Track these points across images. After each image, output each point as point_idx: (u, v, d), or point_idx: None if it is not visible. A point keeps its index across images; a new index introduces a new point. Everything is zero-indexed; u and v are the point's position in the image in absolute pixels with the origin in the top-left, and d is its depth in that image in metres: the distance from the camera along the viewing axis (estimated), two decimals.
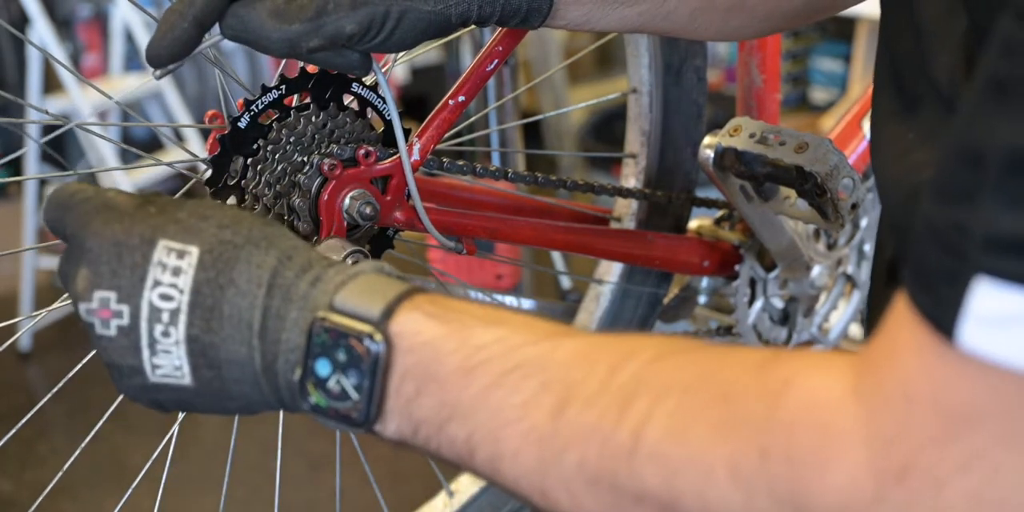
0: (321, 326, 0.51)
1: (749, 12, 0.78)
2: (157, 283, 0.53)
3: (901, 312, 0.42)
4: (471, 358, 0.49)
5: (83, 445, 0.79)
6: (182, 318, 0.52)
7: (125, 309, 0.53)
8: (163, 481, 0.79)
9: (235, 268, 0.53)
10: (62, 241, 0.56)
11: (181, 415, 0.77)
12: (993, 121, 0.38)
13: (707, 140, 0.93)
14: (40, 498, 0.80)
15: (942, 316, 0.39)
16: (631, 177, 1.06)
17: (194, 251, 0.53)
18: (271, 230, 0.55)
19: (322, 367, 0.51)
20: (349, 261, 0.71)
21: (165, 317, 0.53)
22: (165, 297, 0.53)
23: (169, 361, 0.53)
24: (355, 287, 0.52)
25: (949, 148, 0.40)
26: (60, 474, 0.78)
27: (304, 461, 2.00)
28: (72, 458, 0.78)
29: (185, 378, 0.53)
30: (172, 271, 0.52)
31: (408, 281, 0.54)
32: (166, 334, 0.53)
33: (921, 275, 0.40)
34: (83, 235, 0.54)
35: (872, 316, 0.61)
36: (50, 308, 0.75)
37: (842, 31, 3.00)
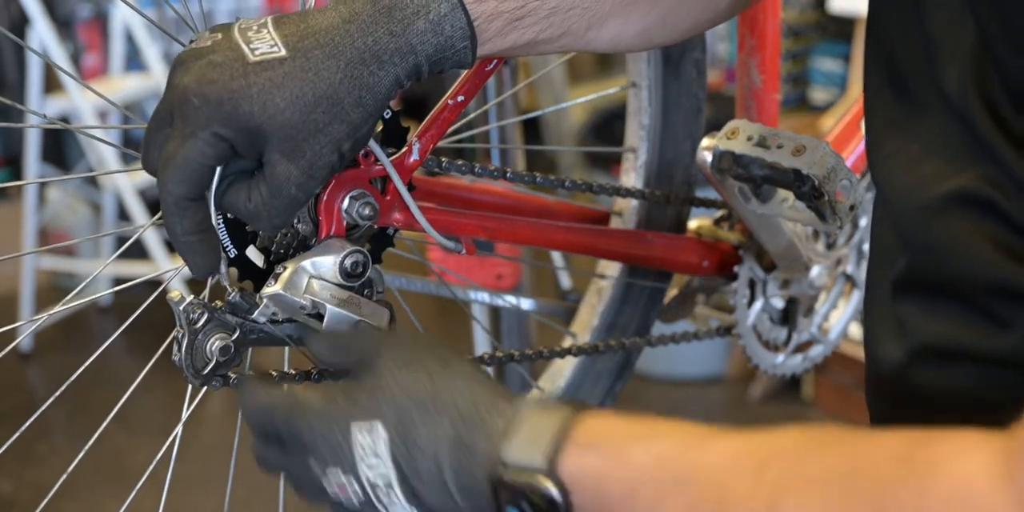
0: (500, 485, 0.56)
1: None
2: (363, 460, 0.60)
3: None
4: (633, 481, 0.53)
5: (88, 446, 0.79)
6: (396, 486, 0.60)
7: (355, 485, 0.61)
8: (167, 482, 0.79)
9: (417, 436, 0.59)
10: (270, 434, 0.64)
11: (185, 415, 0.78)
12: None
13: (705, 142, 0.94)
14: (45, 500, 0.80)
15: None
16: (631, 171, 1.05)
17: (379, 427, 0.60)
18: (440, 387, 0.60)
19: None
20: (348, 262, 0.71)
21: (383, 487, 0.60)
22: (373, 468, 0.60)
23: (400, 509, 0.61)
24: (519, 436, 0.57)
25: None
26: (64, 476, 0.78)
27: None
28: (76, 460, 0.78)
29: None
30: (371, 450, 0.60)
31: (561, 406, 0.58)
32: (391, 500, 0.60)
33: None
34: (298, 434, 0.62)
35: (874, 331, 0.60)
36: (51, 311, 0.75)
37: (842, 31, 3.00)
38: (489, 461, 0.57)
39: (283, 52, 0.63)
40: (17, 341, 0.74)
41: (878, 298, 0.60)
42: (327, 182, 0.72)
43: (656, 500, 0.52)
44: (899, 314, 0.56)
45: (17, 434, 0.75)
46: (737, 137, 0.92)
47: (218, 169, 0.64)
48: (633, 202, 1.05)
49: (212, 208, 0.66)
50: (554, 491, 0.55)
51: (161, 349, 0.73)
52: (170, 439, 0.79)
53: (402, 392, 0.61)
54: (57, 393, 0.74)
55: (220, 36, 0.65)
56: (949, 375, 0.53)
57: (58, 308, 0.74)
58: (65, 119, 3.29)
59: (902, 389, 0.53)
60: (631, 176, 1.05)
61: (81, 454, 0.79)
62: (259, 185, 0.64)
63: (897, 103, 0.58)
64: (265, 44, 0.63)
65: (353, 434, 0.60)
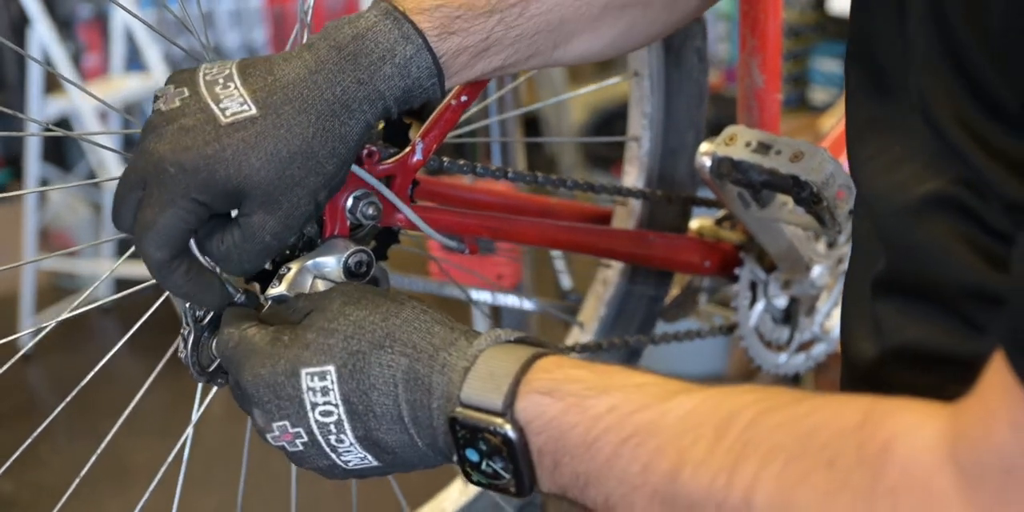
0: (459, 422, 0.57)
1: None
2: (314, 405, 0.60)
3: (996, 378, 0.42)
4: (591, 430, 0.54)
5: (98, 450, 0.79)
6: (346, 426, 0.60)
7: (301, 430, 0.61)
8: (180, 484, 0.79)
9: (371, 374, 0.60)
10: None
11: (195, 416, 0.78)
12: None
13: (703, 148, 0.94)
14: (61, 502, 0.80)
15: None
16: (634, 160, 1.05)
17: (331, 369, 0.60)
18: (394, 324, 0.61)
19: (471, 455, 0.57)
20: (351, 262, 0.71)
21: (333, 428, 0.60)
22: (325, 413, 0.60)
23: (354, 456, 0.61)
24: (476, 376, 0.57)
25: None
26: (76, 481, 0.78)
27: None
28: (88, 464, 0.78)
29: (373, 462, 0.62)
30: (321, 391, 0.60)
31: (525, 343, 0.60)
32: (340, 440, 0.61)
33: (1019, 344, 0.41)
34: (242, 382, 0.62)
35: (851, 329, 0.60)
36: (59, 318, 0.75)
37: (842, 31, 3.00)
38: (446, 398, 0.58)
39: (253, 110, 0.63)
40: (22, 351, 0.74)
41: (857, 295, 0.60)
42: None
43: (614, 452, 0.53)
44: (877, 313, 0.56)
45: (27, 443, 0.75)
46: (735, 143, 0.93)
47: None
48: (637, 187, 1.05)
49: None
50: (511, 432, 0.55)
51: (167, 355, 0.73)
52: (181, 440, 0.79)
53: (355, 330, 0.61)
54: (68, 398, 0.74)
55: (187, 93, 0.64)
56: (923, 376, 0.53)
57: (66, 315, 0.74)
58: (65, 120, 3.29)
59: (875, 387, 0.53)
60: (634, 166, 1.05)
61: (93, 458, 0.79)
62: (233, 230, 0.64)
63: (879, 103, 0.58)
64: (235, 102, 0.63)
65: (302, 379, 0.60)
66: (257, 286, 0.73)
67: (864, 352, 0.57)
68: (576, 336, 1.11)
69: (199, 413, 0.78)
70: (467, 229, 0.84)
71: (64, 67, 2.90)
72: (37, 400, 2.81)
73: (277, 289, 0.70)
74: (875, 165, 0.57)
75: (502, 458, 0.56)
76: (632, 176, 1.06)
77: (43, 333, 0.75)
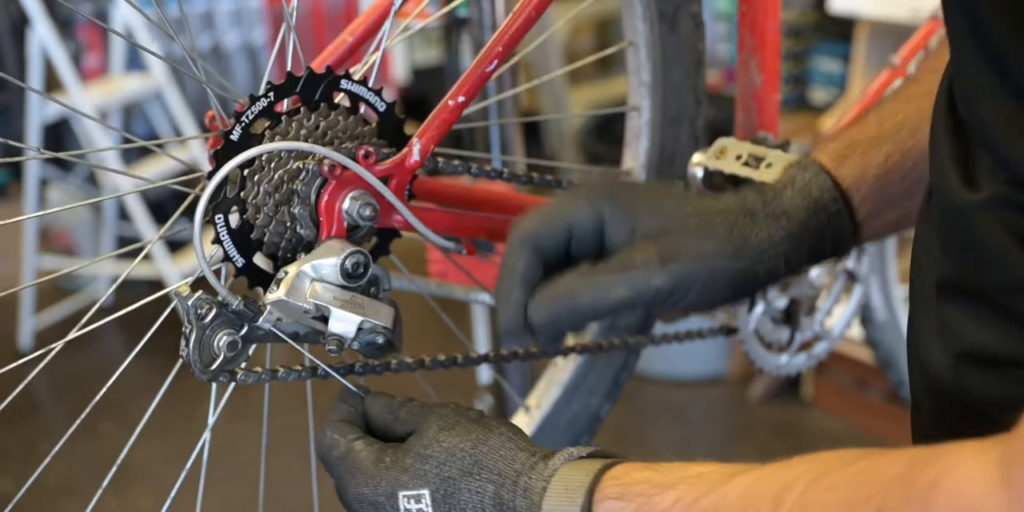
0: None
1: None
2: None
3: None
4: None
5: (124, 452, 0.79)
6: None
7: None
8: (201, 486, 0.79)
9: (460, 499, 0.64)
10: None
11: (212, 419, 0.78)
12: None
13: (695, 159, 0.95)
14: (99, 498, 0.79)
15: None
16: (637, 130, 1.05)
17: (426, 493, 0.65)
18: (481, 451, 0.65)
19: None
20: (348, 263, 0.71)
21: None
22: None
23: None
24: (554, 493, 0.61)
25: None
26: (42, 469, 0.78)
27: (305, 461, 2.00)
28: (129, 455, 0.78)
29: None
30: None
31: (596, 456, 0.63)
32: None
33: None
34: (346, 497, 0.68)
35: (920, 333, 0.60)
36: (68, 337, 0.75)
37: (842, 31, 3.00)
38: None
39: None
40: (27, 365, 0.74)
41: (923, 298, 0.60)
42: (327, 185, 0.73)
43: None
44: (944, 317, 0.56)
45: (49, 458, 0.74)
46: (726, 156, 0.93)
47: None
48: (641, 159, 1.05)
49: (216, 217, 0.66)
50: None
51: (178, 366, 0.73)
52: (200, 444, 0.79)
53: (447, 457, 0.65)
54: (86, 411, 0.73)
55: None
56: (995, 382, 0.53)
57: (74, 331, 0.74)
58: (65, 120, 3.29)
59: (949, 392, 0.53)
60: (636, 136, 1.05)
61: (120, 458, 0.78)
62: None
63: (951, 114, 0.58)
64: None
65: (400, 502, 0.65)
66: (260, 290, 0.73)
67: (934, 357, 0.57)
68: (576, 336, 1.11)
69: (215, 416, 0.77)
70: (465, 230, 0.83)
71: (64, 68, 2.89)
72: (37, 400, 2.81)
73: (275, 294, 0.69)
74: (947, 165, 0.57)
75: None
76: (634, 148, 1.06)
77: (54, 349, 0.74)
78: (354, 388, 0.74)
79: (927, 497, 0.45)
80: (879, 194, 0.74)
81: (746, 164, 0.92)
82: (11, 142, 0.74)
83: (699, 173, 0.94)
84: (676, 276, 0.67)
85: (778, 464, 0.55)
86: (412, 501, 0.65)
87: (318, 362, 0.74)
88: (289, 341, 0.73)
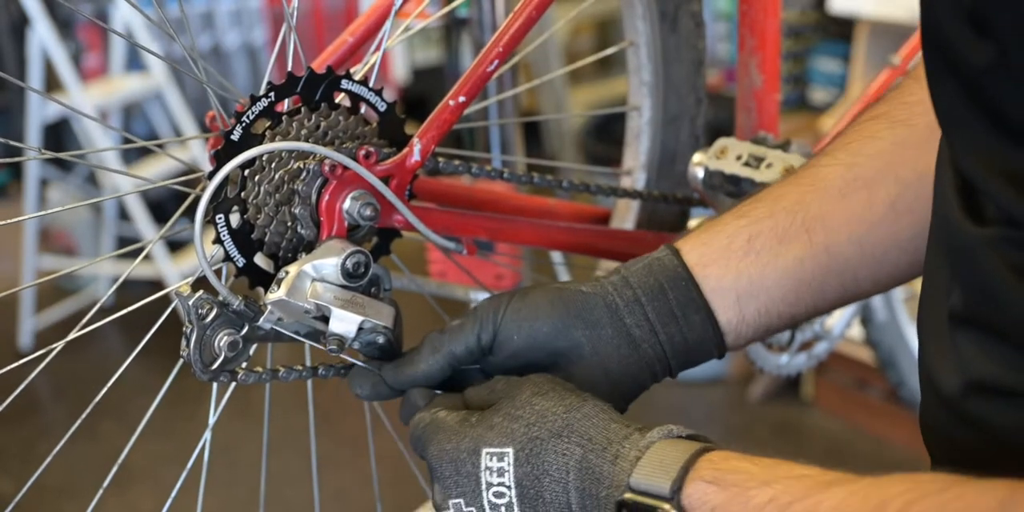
0: (626, 506, 0.59)
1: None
2: (489, 485, 0.63)
3: None
4: None
5: (126, 450, 0.79)
6: (516, 509, 0.63)
7: (474, 509, 0.63)
8: (201, 486, 0.79)
9: (545, 460, 0.62)
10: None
11: (212, 419, 0.78)
12: None
13: (695, 158, 0.95)
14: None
15: None
16: (636, 130, 1.05)
17: (510, 451, 0.63)
18: (574, 417, 0.63)
19: None
20: (349, 263, 0.71)
21: (503, 510, 0.63)
22: (498, 494, 0.63)
23: None
24: (647, 464, 0.59)
25: None
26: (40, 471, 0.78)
27: (305, 461, 2.00)
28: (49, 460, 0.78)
29: None
30: (498, 472, 0.63)
31: (695, 439, 0.62)
32: None
33: None
34: (428, 456, 0.66)
35: (932, 358, 0.60)
36: (69, 337, 0.75)
37: (842, 31, 3.00)
38: (615, 486, 0.60)
39: None
40: (28, 370, 0.74)
41: (934, 320, 0.59)
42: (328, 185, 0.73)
43: None
44: (955, 343, 0.56)
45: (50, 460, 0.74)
46: (726, 156, 0.93)
47: None
48: (641, 160, 1.05)
49: (217, 217, 0.65)
50: None
51: (179, 366, 0.73)
52: (200, 444, 0.79)
53: (538, 418, 0.64)
54: (86, 412, 0.73)
55: None
56: (1006, 409, 0.53)
57: (75, 332, 0.74)
58: (65, 120, 3.29)
59: (958, 418, 0.53)
60: (638, 135, 1.05)
61: (120, 458, 0.78)
62: None
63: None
64: None
65: (482, 458, 0.63)
66: (261, 290, 0.73)
67: (944, 379, 0.57)
68: None
69: (216, 416, 0.77)
70: (466, 230, 0.83)
71: (64, 67, 2.89)
72: (37, 400, 2.81)
73: (276, 294, 0.69)
74: (945, 196, 0.56)
75: None
76: (635, 147, 1.06)
77: (54, 350, 0.74)
78: (366, 366, 0.74)
79: None
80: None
81: (746, 164, 0.93)
82: (11, 142, 0.74)
83: (699, 173, 0.94)
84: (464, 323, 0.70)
85: (875, 480, 0.54)
86: (495, 459, 0.63)
87: (317, 345, 0.73)
88: (294, 336, 0.73)
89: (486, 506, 0.63)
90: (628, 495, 0.59)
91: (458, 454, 0.64)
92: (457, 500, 0.64)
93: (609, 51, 1.07)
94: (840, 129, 1.11)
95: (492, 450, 0.63)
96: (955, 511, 0.48)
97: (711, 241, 0.73)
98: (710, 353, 0.75)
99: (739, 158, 0.93)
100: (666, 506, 0.57)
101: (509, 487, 0.62)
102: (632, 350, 0.72)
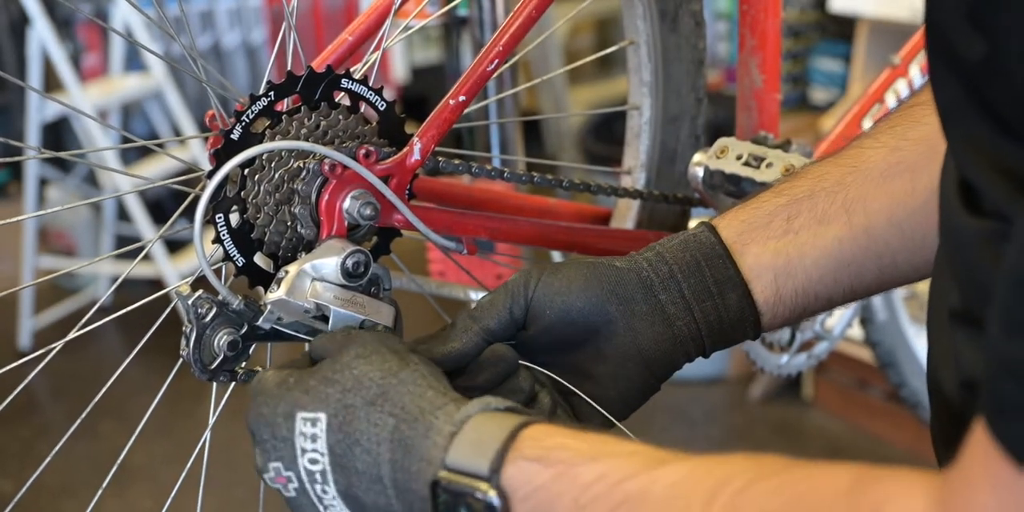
0: (441, 486, 0.56)
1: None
2: (304, 450, 0.61)
3: (979, 443, 0.41)
4: (579, 499, 0.53)
5: (128, 446, 0.79)
6: (330, 477, 0.61)
7: (292, 475, 0.62)
8: (201, 485, 0.79)
9: (357, 429, 0.60)
10: None
11: (212, 419, 0.78)
12: None
13: (696, 158, 0.95)
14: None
15: (1020, 451, 0.39)
16: (636, 129, 1.05)
17: (323, 417, 0.61)
18: (390, 383, 0.61)
19: None
20: (349, 262, 0.71)
21: (319, 478, 0.61)
22: (313, 461, 0.61)
23: (339, 511, 0.62)
24: (464, 440, 0.57)
25: (1007, 274, 0.39)
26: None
27: None
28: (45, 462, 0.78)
29: None
30: (311, 438, 0.61)
31: (514, 412, 0.59)
32: (324, 492, 0.61)
33: (998, 408, 0.40)
34: (247, 422, 0.64)
35: (935, 360, 0.60)
36: (69, 337, 0.75)
37: (842, 31, 3.00)
38: (428, 461, 0.57)
39: None
40: (29, 374, 0.74)
41: (939, 319, 0.59)
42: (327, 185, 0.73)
43: None
44: (954, 342, 0.56)
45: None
46: (726, 156, 0.94)
47: None
48: (642, 158, 1.04)
49: (216, 216, 0.65)
50: (495, 499, 0.54)
51: (179, 366, 0.73)
52: (200, 444, 0.79)
53: (354, 384, 0.61)
54: (85, 407, 0.73)
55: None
56: None
57: (75, 331, 0.74)
58: (65, 119, 3.29)
59: (958, 415, 0.53)
60: (638, 134, 1.05)
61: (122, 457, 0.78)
62: None
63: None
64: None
65: (297, 422, 0.61)
66: (260, 289, 0.73)
67: (945, 379, 0.57)
68: None
69: (215, 416, 0.77)
70: (466, 229, 0.83)
71: (64, 67, 2.89)
72: (36, 400, 2.81)
73: (276, 294, 0.69)
74: (948, 190, 0.56)
75: None
76: (635, 146, 1.06)
77: (60, 343, 0.74)
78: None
79: None
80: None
81: (747, 164, 0.93)
82: (11, 142, 0.74)
83: (700, 173, 0.94)
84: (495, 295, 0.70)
85: (714, 458, 0.52)
86: (309, 424, 0.61)
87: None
88: (294, 336, 0.73)
89: (302, 472, 0.61)
90: (443, 473, 0.56)
91: (274, 418, 0.62)
92: (276, 464, 0.62)
93: (609, 50, 1.07)
94: (840, 130, 1.11)
95: (306, 415, 0.61)
96: (800, 493, 0.47)
97: (750, 219, 0.72)
98: (745, 333, 0.72)
99: (739, 158, 0.93)
100: (484, 486, 0.55)
101: (322, 454, 0.60)
102: (666, 327, 0.70)
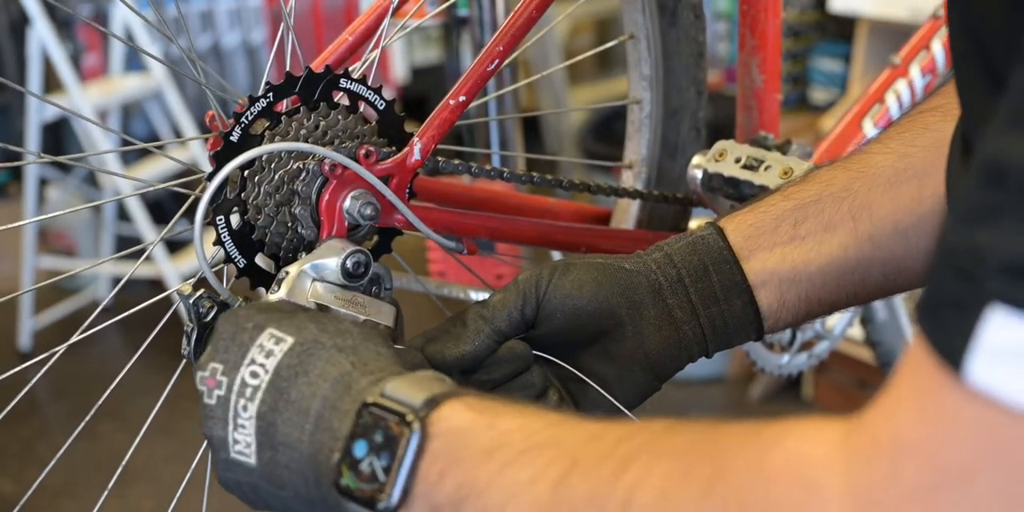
0: (367, 409, 0.56)
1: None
2: (252, 361, 0.60)
3: (907, 356, 0.40)
4: (495, 440, 0.53)
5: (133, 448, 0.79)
6: (259, 395, 0.59)
7: (224, 381, 0.61)
8: (206, 486, 0.79)
9: (312, 362, 0.59)
10: None
11: None
12: (1017, 138, 0.35)
13: (695, 161, 0.95)
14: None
15: (950, 348, 0.36)
16: (637, 124, 1.05)
17: (289, 341, 0.60)
18: (365, 346, 0.61)
19: (359, 448, 0.55)
20: (349, 263, 0.71)
21: (248, 392, 0.60)
22: (254, 374, 0.60)
23: (244, 437, 0.60)
24: (407, 380, 0.57)
25: (975, 164, 0.37)
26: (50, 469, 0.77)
27: None
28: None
29: (251, 457, 0.60)
30: (266, 353, 0.60)
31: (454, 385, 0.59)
32: (245, 408, 0.60)
33: (931, 303, 0.38)
34: (222, 317, 0.63)
35: None
36: (72, 340, 0.75)
37: (842, 31, 3.00)
38: (365, 390, 0.57)
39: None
40: (29, 379, 0.74)
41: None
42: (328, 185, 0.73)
43: (510, 460, 0.52)
44: None
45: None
46: (725, 159, 0.94)
47: None
48: (642, 153, 1.04)
49: (217, 218, 0.65)
50: (416, 425, 0.54)
51: (182, 366, 0.73)
52: (203, 444, 0.79)
53: (334, 331, 0.61)
54: (86, 418, 0.73)
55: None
56: None
57: (77, 334, 0.74)
58: (65, 119, 3.29)
59: None
60: (639, 129, 1.05)
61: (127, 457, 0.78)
62: None
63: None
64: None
65: (263, 335, 0.61)
66: (262, 290, 0.73)
67: None
68: None
69: None
70: (467, 229, 0.83)
71: (63, 67, 2.89)
72: (37, 400, 2.81)
73: (277, 294, 0.69)
74: (954, 176, 0.56)
75: (390, 455, 0.54)
76: (636, 141, 1.06)
77: (56, 353, 0.74)
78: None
79: (765, 448, 0.43)
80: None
81: (746, 167, 0.93)
82: (11, 147, 0.74)
83: (698, 175, 0.94)
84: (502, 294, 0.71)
85: (642, 422, 0.52)
86: (272, 341, 0.61)
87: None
88: None
89: (237, 381, 0.60)
90: (377, 398, 0.56)
91: (245, 322, 0.62)
92: (217, 365, 0.61)
93: (609, 45, 1.07)
94: (840, 130, 1.11)
95: (275, 332, 0.61)
96: (711, 434, 0.47)
97: (757, 223, 0.73)
98: (748, 336, 0.74)
99: (738, 160, 0.93)
100: (411, 416, 0.54)
101: (267, 371, 0.60)
102: (672, 331, 0.71)
